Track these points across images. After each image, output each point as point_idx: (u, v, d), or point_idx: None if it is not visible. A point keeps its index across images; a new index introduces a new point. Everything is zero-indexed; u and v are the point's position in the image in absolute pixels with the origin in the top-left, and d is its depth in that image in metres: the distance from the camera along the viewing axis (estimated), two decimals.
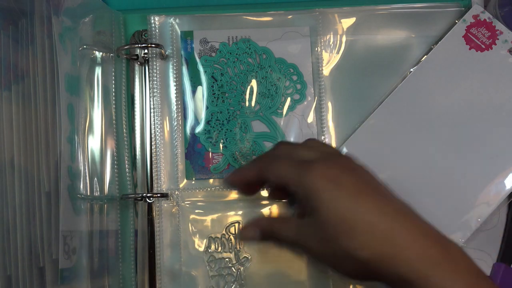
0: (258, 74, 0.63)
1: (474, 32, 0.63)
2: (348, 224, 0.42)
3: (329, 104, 0.64)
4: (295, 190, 0.46)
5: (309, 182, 0.44)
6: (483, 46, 0.63)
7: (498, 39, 0.63)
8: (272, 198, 0.59)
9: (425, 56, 0.63)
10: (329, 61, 0.65)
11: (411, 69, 0.63)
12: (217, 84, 0.63)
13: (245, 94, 0.63)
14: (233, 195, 0.62)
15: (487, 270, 0.62)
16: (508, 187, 0.61)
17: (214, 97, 0.63)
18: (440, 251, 0.41)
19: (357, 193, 0.43)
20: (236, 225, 0.56)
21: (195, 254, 0.61)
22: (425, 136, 0.62)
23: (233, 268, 0.60)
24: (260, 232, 0.49)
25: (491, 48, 0.63)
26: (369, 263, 0.41)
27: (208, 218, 0.62)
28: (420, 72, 0.63)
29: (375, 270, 0.41)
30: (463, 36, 0.63)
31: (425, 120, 0.62)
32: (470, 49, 0.63)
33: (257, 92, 0.63)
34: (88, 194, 0.57)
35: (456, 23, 0.64)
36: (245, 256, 0.60)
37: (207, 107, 0.63)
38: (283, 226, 0.48)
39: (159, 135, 0.62)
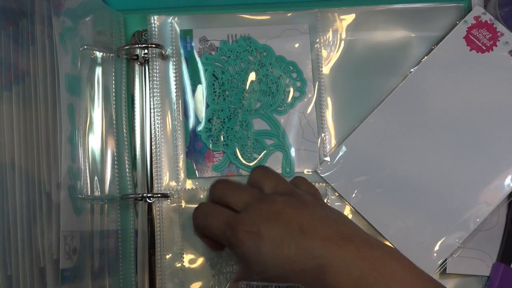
0: (259, 72, 0.63)
1: (475, 34, 0.63)
2: (272, 271, 0.46)
3: (329, 102, 0.64)
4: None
5: (233, 240, 0.48)
6: (484, 48, 0.63)
7: (499, 40, 0.63)
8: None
9: (426, 56, 0.63)
10: (329, 59, 0.65)
11: (412, 69, 0.63)
12: (218, 82, 0.63)
13: (246, 92, 0.63)
14: None
15: (487, 270, 0.62)
16: (507, 187, 0.61)
17: (215, 95, 0.63)
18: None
19: (279, 243, 0.47)
20: None
21: (196, 253, 0.61)
22: (424, 136, 0.62)
23: (235, 266, 0.60)
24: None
25: (492, 50, 0.63)
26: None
27: None
28: (420, 73, 0.63)
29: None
30: (464, 37, 0.63)
31: (425, 120, 0.62)
32: (470, 50, 0.63)
33: (258, 90, 0.63)
34: (89, 194, 0.57)
35: (457, 24, 0.64)
36: None
37: (208, 105, 0.63)
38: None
39: (159, 134, 0.62)
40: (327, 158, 0.62)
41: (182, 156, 0.62)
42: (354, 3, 0.65)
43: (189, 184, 0.62)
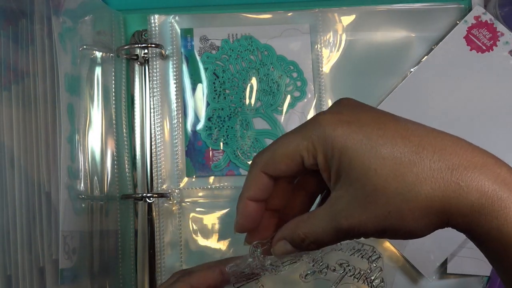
0: (260, 71, 0.63)
1: (475, 33, 0.63)
2: (391, 163, 0.35)
3: (329, 102, 0.64)
4: (308, 165, 0.38)
5: (324, 139, 0.37)
6: (484, 48, 0.63)
7: (499, 40, 0.63)
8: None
9: (426, 56, 0.63)
10: (329, 59, 0.65)
11: (412, 69, 0.63)
12: (219, 81, 0.63)
13: (247, 91, 0.63)
14: (234, 193, 0.62)
15: (487, 270, 0.62)
16: None
17: (216, 94, 0.63)
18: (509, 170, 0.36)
19: (383, 125, 0.37)
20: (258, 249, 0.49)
21: (196, 252, 0.61)
22: None
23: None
24: (290, 242, 0.41)
25: (492, 50, 0.62)
26: (433, 198, 0.34)
27: (209, 217, 0.62)
28: (420, 72, 0.63)
29: (440, 208, 0.34)
30: (464, 37, 0.63)
31: (424, 120, 0.61)
32: (471, 50, 0.63)
33: (258, 89, 0.63)
34: (88, 194, 0.57)
35: (457, 23, 0.63)
36: None
37: (208, 104, 0.63)
38: (312, 222, 0.39)
39: (159, 134, 0.62)
40: None
41: (181, 155, 0.62)
42: (354, 3, 0.65)
43: (188, 184, 0.62)
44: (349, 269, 0.45)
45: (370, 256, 0.46)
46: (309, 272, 0.46)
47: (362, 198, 0.35)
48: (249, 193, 0.41)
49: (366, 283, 0.46)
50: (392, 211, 0.35)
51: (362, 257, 0.46)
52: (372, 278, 0.45)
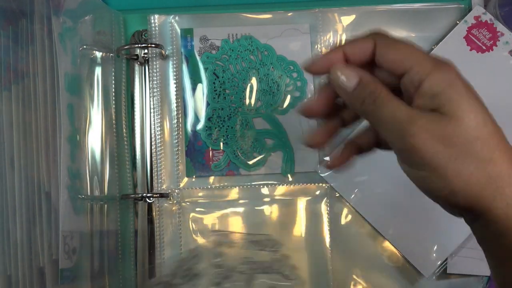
0: (260, 71, 0.63)
1: (475, 33, 0.63)
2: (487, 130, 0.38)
3: None
4: (420, 80, 0.39)
5: (447, 78, 0.39)
6: (484, 48, 0.63)
7: (499, 40, 0.63)
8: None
9: None
10: None
11: None
12: (219, 81, 0.63)
13: (247, 91, 0.63)
14: (234, 193, 0.62)
15: (487, 270, 0.62)
16: None
17: (216, 94, 0.63)
18: None
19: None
20: None
21: (196, 252, 0.61)
22: None
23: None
24: (358, 84, 0.41)
25: (492, 50, 0.62)
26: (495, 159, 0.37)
27: (209, 217, 0.62)
28: None
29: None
30: (464, 37, 0.63)
31: None
32: (471, 50, 0.63)
33: (258, 89, 0.63)
34: (88, 194, 0.57)
35: (457, 23, 0.63)
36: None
37: (208, 104, 0.63)
38: (394, 101, 0.39)
39: (159, 134, 0.62)
40: (327, 158, 0.62)
41: (181, 155, 0.62)
42: (354, 3, 0.65)
43: (188, 184, 0.62)
44: (254, 266, 0.46)
45: (270, 247, 0.46)
46: (216, 280, 0.46)
47: (443, 135, 0.37)
48: (347, 45, 0.43)
49: (276, 273, 0.46)
50: (459, 157, 0.37)
51: (261, 250, 0.46)
52: (281, 267, 0.46)
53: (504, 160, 0.37)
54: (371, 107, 0.39)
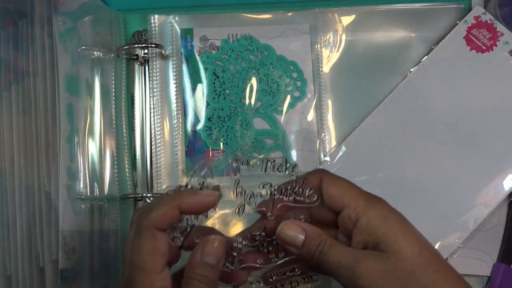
0: (260, 71, 0.63)
1: (475, 33, 0.63)
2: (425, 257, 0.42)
3: (329, 102, 0.64)
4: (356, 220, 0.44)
5: (378, 218, 0.43)
6: (484, 48, 0.63)
7: (499, 40, 0.63)
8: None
9: (426, 56, 0.63)
10: (329, 59, 0.65)
11: (411, 69, 0.63)
12: (219, 81, 0.63)
13: (246, 91, 0.63)
14: (234, 193, 0.62)
15: (487, 270, 0.62)
16: (506, 188, 0.60)
17: (216, 94, 0.63)
18: None
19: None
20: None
21: None
22: (424, 136, 0.62)
23: None
24: (305, 238, 0.45)
25: (492, 50, 0.62)
26: None
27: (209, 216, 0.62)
28: (420, 72, 0.63)
29: None
30: (464, 37, 0.63)
31: (424, 120, 0.62)
32: (470, 50, 0.63)
33: (258, 89, 0.63)
34: (88, 194, 0.57)
35: (457, 23, 0.63)
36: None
37: (208, 104, 0.63)
38: (338, 247, 0.44)
39: (159, 134, 0.62)
40: (327, 158, 0.62)
41: (181, 155, 0.62)
42: (354, 3, 0.65)
43: (188, 182, 0.62)
44: (274, 189, 0.47)
45: (286, 169, 0.47)
46: (240, 207, 0.48)
47: (387, 273, 0.41)
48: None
49: (297, 195, 0.47)
50: None
51: (279, 171, 0.47)
52: (301, 189, 0.47)
53: (448, 281, 0.41)
54: (319, 258, 0.43)
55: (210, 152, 0.62)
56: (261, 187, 0.48)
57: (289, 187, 0.47)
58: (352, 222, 0.43)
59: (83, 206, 0.56)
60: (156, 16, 0.64)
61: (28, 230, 0.51)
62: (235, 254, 0.47)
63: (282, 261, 0.48)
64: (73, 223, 0.53)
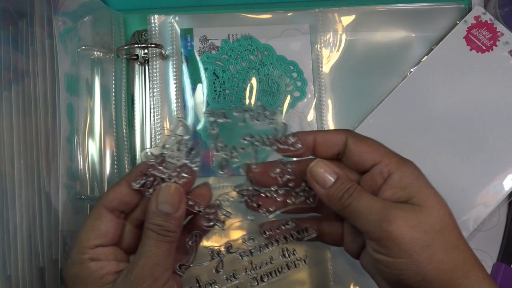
0: (260, 71, 0.63)
1: (475, 33, 0.63)
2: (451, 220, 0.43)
3: (329, 102, 0.64)
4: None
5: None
6: (484, 48, 0.63)
7: (499, 40, 0.63)
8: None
9: (426, 56, 0.63)
10: (329, 59, 0.65)
11: (412, 69, 0.63)
12: (219, 81, 0.63)
13: (247, 91, 0.63)
14: (234, 194, 0.62)
15: (488, 270, 0.62)
16: (506, 188, 0.61)
17: (216, 94, 0.63)
18: None
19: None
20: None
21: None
22: (423, 136, 0.62)
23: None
24: (336, 180, 0.45)
25: (492, 50, 0.63)
26: None
27: None
28: (420, 72, 0.63)
29: None
30: (464, 37, 0.63)
31: (424, 120, 0.62)
32: (470, 50, 0.63)
33: (258, 89, 0.63)
34: (88, 194, 0.57)
35: (457, 24, 0.64)
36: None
37: (208, 104, 0.63)
38: (368, 194, 0.44)
39: (159, 134, 0.62)
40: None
41: None
42: (354, 3, 0.65)
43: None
44: (256, 140, 0.46)
45: (266, 117, 0.47)
46: (223, 162, 0.47)
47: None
48: (320, 133, 0.48)
49: (280, 144, 0.46)
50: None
51: (258, 120, 0.47)
52: (281, 135, 0.46)
53: (466, 248, 0.43)
54: (348, 201, 0.43)
55: (210, 152, 0.62)
56: (242, 139, 0.47)
57: (270, 136, 0.47)
58: (383, 178, 0.44)
59: (83, 206, 0.56)
60: (156, 16, 0.64)
61: (28, 230, 0.51)
62: (224, 212, 0.46)
63: (273, 215, 0.48)
64: (73, 223, 0.53)
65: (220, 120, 0.47)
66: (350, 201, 0.43)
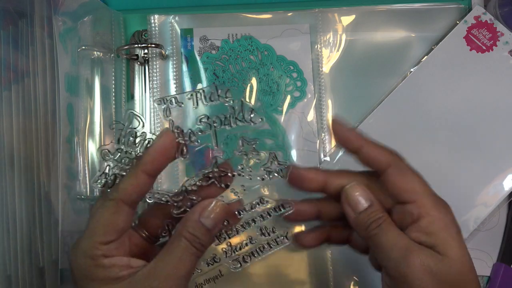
0: (260, 71, 0.63)
1: (475, 33, 0.63)
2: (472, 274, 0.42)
3: (329, 102, 0.64)
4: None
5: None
6: (484, 48, 0.63)
7: (499, 40, 0.63)
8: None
9: (426, 56, 0.63)
10: (329, 59, 0.65)
11: (412, 69, 0.63)
12: (219, 81, 0.63)
13: (246, 91, 0.63)
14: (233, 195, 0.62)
15: (487, 270, 0.62)
16: (506, 188, 0.61)
17: None
18: None
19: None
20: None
21: None
22: (424, 136, 0.62)
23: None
24: (369, 206, 0.44)
25: (492, 50, 0.62)
26: None
27: None
28: (420, 72, 0.63)
29: None
30: (464, 37, 0.63)
31: (424, 120, 0.62)
32: (470, 50, 0.63)
33: (258, 89, 0.63)
34: (88, 194, 0.57)
35: (457, 24, 0.63)
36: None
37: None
38: (396, 229, 0.43)
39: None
40: (327, 158, 0.62)
41: None
42: (354, 3, 0.65)
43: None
44: (213, 121, 0.45)
45: (219, 95, 0.45)
46: (182, 148, 0.45)
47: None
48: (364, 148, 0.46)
49: (240, 121, 0.45)
50: None
51: (211, 100, 0.46)
52: (241, 113, 0.45)
53: None
54: (375, 231, 0.43)
55: (210, 152, 0.62)
56: (199, 121, 0.45)
57: (229, 115, 0.45)
58: (412, 219, 0.43)
59: (83, 206, 0.56)
60: (156, 16, 0.64)
61: (28, 230, 0.51)
62: (193, 197, 0.45)
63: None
64: (73, 223, 0.53)
65: (172, 106, 0.46)
66: (376, 232, 0.43)
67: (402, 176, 0.44)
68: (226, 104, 0.46)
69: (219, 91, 0.45)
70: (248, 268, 0.60)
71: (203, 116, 0.45)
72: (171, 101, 0.45)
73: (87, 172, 0.57)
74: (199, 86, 0.63)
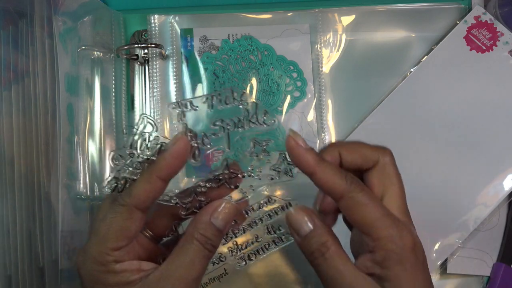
0: (260, 72, 0.63)
1: (475, 33, 0.63)
2: None
3: (329, 102, 0.64)
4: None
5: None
6: (484, 48, 0.63)
7: (499, 40, 0.63)
8: None
9: (426, 56, 0.63)
10: (329, 59, 0.65)
11: (412, 69, 0.63)
12: (219, 81, 0.63)
13: (247, 91, 0.63)
14: (233, 194, 0.62)
15: (487, 270, 0.62)
16: (506, 188, 0.61)
17: None
18: None
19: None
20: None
21: None
22: (424, 136, 0.62)
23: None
24: (311, 231, 0.42)
25: (492, 50, 0.62)
26: None
27: None
28: (420, 72, 0.63)
29: None
30: (464, 37, 0.63)
31: (424, 120, 0.62)
32: (470, 50, 0.63)
33: (258, 89, 0.63)
34: (88, 194, 0.57)
35: (457, 24, 0.63)
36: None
37: None
38: (341, 260, 0.41)
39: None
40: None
41: None
42: (354, 3, 0.65)
43: (188, 184, 0.62)
44: (227, 124, 0.45)
45: (234, 99, 0.45)
46: (195, 151, 0.44)
47: None
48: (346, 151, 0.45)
49: (253, 123, 0.45)
50: None
51: (227, 103, 0.45)
52: (255, 116, 0.45)
53: None
54: (317, 260, 0.41)
55: (210, 153, 0.62)
56: (212, 125, 0.45)
57: (242, 117, 0.45)
58: (368, 249, 0.41)
59: (83, 206, 0.56)
60: (156, 16, 0.64)
61: (28, 230, 0.51)
62: (202, 198, 0.44)
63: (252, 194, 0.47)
64: (73, 223, 0.53)
65: (187, 110, 0.45)
66: (320, 262, 0.41)
67: (356, 208, 0.41)
68: (241, 106, 0.45)
69: (235, 94, 0.45)
70: (250, 268, 0.60)
71: (217, 119, 0.45)
72: (186, 105, 0.45)
73: (87, 172, 0.57)
74: (199, 86, 0.63)
